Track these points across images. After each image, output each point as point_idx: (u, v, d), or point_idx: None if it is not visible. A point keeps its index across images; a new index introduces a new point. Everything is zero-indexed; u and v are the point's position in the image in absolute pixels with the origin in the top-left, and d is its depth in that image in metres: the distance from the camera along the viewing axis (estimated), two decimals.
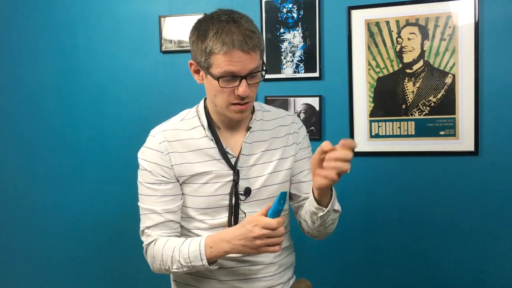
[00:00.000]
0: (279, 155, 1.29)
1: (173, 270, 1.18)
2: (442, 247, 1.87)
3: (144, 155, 1.25)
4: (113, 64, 2.14)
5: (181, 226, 1.28)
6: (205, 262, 1.13)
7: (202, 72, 1.18)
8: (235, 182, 1.22)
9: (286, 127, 1.33)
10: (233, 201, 1.22)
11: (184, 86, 2.07)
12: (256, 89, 1.19)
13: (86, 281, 2.24)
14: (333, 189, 1.16)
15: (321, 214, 1.15)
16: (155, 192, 1.22)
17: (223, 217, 1.23)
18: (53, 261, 2.27)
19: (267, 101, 1.96)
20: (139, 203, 1.26)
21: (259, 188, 1.25)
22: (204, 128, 1.24)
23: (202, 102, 1.29)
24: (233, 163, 1.23)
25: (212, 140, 1.23)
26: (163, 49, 2.07)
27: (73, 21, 2.16)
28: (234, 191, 1.22)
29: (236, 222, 1.22)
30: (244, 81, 1.12)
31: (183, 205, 1.26)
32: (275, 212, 1.07)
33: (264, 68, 1.17)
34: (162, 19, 2.06)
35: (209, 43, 1.10)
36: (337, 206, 1.20)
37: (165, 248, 1.19)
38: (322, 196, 1.13)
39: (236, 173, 1.22)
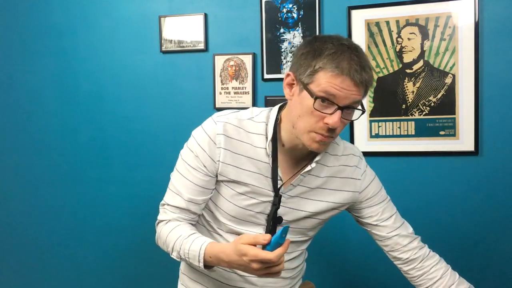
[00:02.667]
0: (332, 199, 1.21)
1: (172, 256, 1.16)
2: (442, 247, 1.86)
3: (198, 137, 1.16)
4: (113, 64, 2.14)
5: (203, 217, 1.25)
6: (201, 264, 1.09)
7: (295, 88, 1.09)
8: (276, 207, 1.16)
9: (348, 169, 1.23)
10: (269, 224, 1.17)
11: (184, 86, 2.07)
12: (344, 126, 1.09)
13: (85, 281, 2.24)
14: None
15: None
16: (190, 176, 1.16)
17: (246, 230, 1.19)
18: (54, 261, 2.27)
19: (267, 101, 1.96)
20: (171, 175, 1.22)
21: (290, 220, 1.19)
22: (267, 140, 1.15)
23: (275, 110, 1.18)
24: (278, 186, 1.16)
25: (268, 155, 1.15)
26: (163, 49, 2.07)
27: (73, 21, 2.17)
28: (273, 216, 1.16)
29: None
30: (339, 111, 1.02)
31: (213, 201, 1.21)
32: (275, 245, 0.98)
33: (363, 109, 1.08)
34: (162, 19, 2.06)
35: (322, 60, 1.02)
36: None
37: (171, 234, 1.15)
38: None
39: (279, 198, 1.16)
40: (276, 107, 1.19)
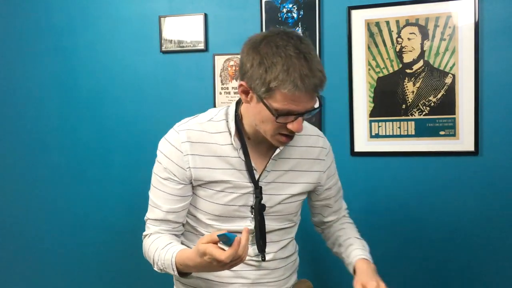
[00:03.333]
0: (305, 179, 1.27)
1: (155, 269, 1.19)
2: (442, 247, 1.87)
3: (164, 149, 1.21)
4: (113, 64, 2.14)
5: (188, 224, 1.27)
6: (176, 273, 1.12)
7: (252, 96, 1.10)
8: (259, 199, 1.19)
9: (315, 150, 1.29)
10: (257, 216, 1.20)
11: (184, 86, 2.07)
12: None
13: (86, 281, 2.24)
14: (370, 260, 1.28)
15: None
16: (164, 188, 1.20)
17: (233, 225, 1.21)
18: (54, 261, 2.27)
19: None
20: (149, 192, 1.25)
21: (274, 206, 1.22)
22: (231, 136, 1.19)
23: (233, 107, 1.22)
24: (256, 178, 1.20)
25: (237, 150, 1.18)
26: (163, 49, 2.07)
27: (73, 21, 2.17)
28: (258, 207, 1.19)
29: (263, 236, 1.21)
30: (300, 118, 1.07)
31: (193, 205, 1.24)
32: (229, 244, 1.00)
33: (319, 105, 1.10)
34: (162, 19, 2.06)
35: (276, 78, 1.01)
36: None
37: (151, 246, 1.19)
38: None
39: (259, 189, 1.19)
40: (233, 103, 1.23)
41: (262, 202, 1.20)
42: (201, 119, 1.22)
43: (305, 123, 1.29)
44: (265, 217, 1.22)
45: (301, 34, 1.10)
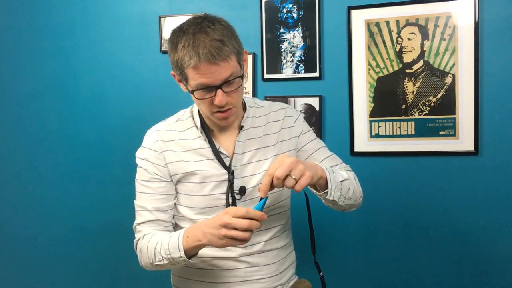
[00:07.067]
0: (275, 151, 1.28)
1: (156, 263, 1.19)
2: (442, 247, 1.87)
3: (140, 154, 1.28)
4: (113, 64, 2.14)
5: (176, 225, 1.29)
6: (182, 253, 1.13)
7: (182, 84, 1.20)
8: (231, 182, 1.22)
9: (279, 122, 1.32)
10: (230, 201, 1.22)
11: None
12: (238, 94, 1.17)
13: (85, 281, 2.24)
14: (325, 169, 1.15)
15: (327, 196, 1.15)
16: (148, 189, 1.25)
17: None
18: (54, 261, 2.27)
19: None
20: (134, 201, 1.29)
21: (254, 186, 1.25)
22: (198, 129, 1.26)
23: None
24: (227, 163, 1.23)
25: (205, 140, 1.25)
26: (163, 49, 2.07)
27: (73, 21, 2.17)
28: (230, 191, 1.22)
29: None
30: (219, 91, 1.11)
31: (177, 204, 1.27)
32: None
33: (241, 74, 1.15)
34: (162, 19, 2.06)
35: (179, 57, 1.11)
36: (341, 177, 1.19)
37: (151, 241, 1.20)
38: (317, 184, 1.15)
39: (231, 173, 1.22)
40: None
41: (244, 184, 1.23)
42: (169, 121, 1.32)
43: (270, 102, 1.37)
44: (249, 201, 1.24)
45: (215, 16, 1.17)
